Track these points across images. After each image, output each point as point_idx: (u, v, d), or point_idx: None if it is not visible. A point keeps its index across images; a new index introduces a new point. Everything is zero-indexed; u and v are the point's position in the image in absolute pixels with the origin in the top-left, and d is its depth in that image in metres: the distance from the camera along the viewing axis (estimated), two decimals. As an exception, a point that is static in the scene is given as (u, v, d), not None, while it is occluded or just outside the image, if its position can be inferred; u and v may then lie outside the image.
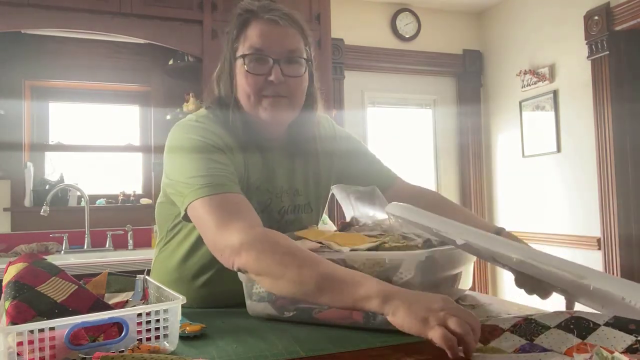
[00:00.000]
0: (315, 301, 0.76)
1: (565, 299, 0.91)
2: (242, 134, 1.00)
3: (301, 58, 0.97)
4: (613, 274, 2.75)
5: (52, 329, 0.63)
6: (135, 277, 0.90)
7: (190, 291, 1.01)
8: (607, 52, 2.81)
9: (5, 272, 0.77)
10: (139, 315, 0.69)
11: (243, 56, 0.95)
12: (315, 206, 1.14)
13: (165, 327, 0.71)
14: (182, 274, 1.06)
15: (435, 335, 0.61)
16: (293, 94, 0.97)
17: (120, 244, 2.68)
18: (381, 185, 1.08)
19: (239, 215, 0.84)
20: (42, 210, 2.45)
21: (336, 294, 0.72)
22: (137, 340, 0.69)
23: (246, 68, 0.94)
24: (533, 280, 0.81)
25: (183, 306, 0.74)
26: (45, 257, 0.82)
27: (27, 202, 2.63)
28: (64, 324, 0.63)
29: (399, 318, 0.66)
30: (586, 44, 2.94)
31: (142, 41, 2.62)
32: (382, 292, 0.68)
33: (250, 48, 0.94)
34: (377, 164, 1.20)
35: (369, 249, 0.82)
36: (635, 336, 0.63)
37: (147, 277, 0.90)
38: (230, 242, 0.80)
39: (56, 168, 2.83)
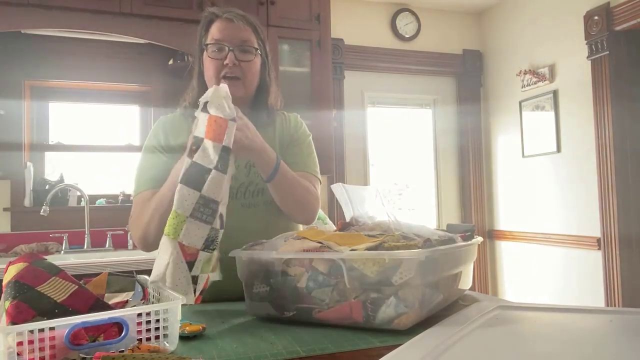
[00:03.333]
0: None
1: None
2: None
3: (251, 47, 1.19)
4: (613, 274, 2.75)
5: (52, 329, 0.63)
6: (136, 277, 0.90)
7: None
8: (607, 52, 2.81)
9: (5, 272, 0.77)
10: (139, 315, 0.69)
11: (206, 45, 1.19)
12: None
13: (165, 327, 0.71)
14: None
15: None
16: (245, 75, 1.18)
17: (120, 244, 2.68)
18: None
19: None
20: (42, 210, 2.45)
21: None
22: (137, 340, 0.69)
23: (208, 54, 1.18)
24: None
25: (183, 304, 0.74)
26: (45, 257, 0.83)
27: (27, 202, 2.63)
28: (64, 324, 0.63)
29: None
30: (586, 44, 2.94)
31: (142, 41, 2.62)
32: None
33: (212, 39, 1.18)
34: (304, 156, 1.27)
35: (369, 249, 0.82)
36: None
37: (147, 277, 0.90)
38: (134, 234, 1.14)
39: (56, 168, 2.83)
